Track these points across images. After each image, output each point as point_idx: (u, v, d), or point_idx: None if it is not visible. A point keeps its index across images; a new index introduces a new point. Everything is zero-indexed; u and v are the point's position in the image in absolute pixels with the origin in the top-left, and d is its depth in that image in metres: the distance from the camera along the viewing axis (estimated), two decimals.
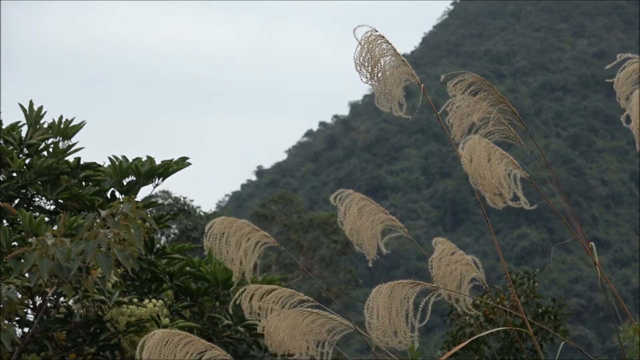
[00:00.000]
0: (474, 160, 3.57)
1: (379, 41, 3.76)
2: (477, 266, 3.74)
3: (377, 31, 3.76)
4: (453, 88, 3.77)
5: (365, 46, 3.74)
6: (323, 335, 3.73)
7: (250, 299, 3.82)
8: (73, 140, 6.54)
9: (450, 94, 3.80)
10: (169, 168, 6.58)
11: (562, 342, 4.03)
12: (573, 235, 3.76)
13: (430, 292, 3.56)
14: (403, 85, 3.78)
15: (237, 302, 3.84)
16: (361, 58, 3.74)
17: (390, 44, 3.77)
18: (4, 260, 5.46)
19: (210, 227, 3.89)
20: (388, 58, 3.77)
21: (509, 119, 3.82)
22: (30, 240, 5.55)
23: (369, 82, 3.75)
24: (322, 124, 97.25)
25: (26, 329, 5.87)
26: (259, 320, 3.81)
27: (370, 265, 3.68)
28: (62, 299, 5.95)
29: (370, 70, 3.75)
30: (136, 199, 6.22)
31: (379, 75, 3.75)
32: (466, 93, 3.80)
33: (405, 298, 3.47)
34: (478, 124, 3.79)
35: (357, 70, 3.74)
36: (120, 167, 6.55)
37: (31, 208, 6.36)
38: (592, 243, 3.84)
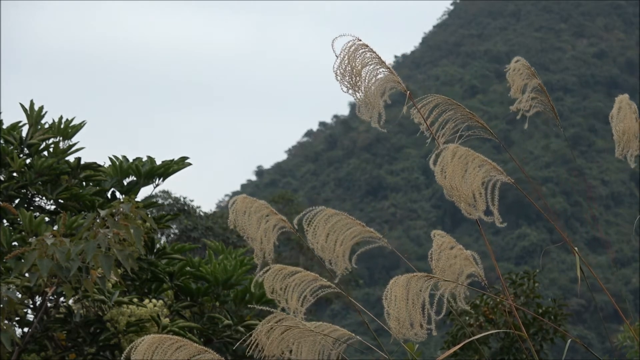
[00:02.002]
0: (448, 173, 3.57)
1: (361, 50, 3.75)
2: (476, 262, 3.74)
3: (360, 40, 3.74)
4: (416, 114, 3.77)
5: (346, 57, 3.73)
6: (328, 347, 3.74)
7: (274, 278, 3.81)
8: (73, 140, 6.55)
9: (416, 120, 3.79)
10: (169, 168, 6.59)
11: (570, 340, 4.02)
12: (572, 235, 3.76)
13: (436, 289, 3.56)
14: (387, 94, 3.77)
15: (260, 280, 3.83)
16: (341, 68, 3.73)
17: (375, 53, 3.76)
18: (4, 260, 5.46)
19: (234, 203, 3.91)
20: (371, 67, 3.76)
21: (480, 134, 3.81)
22: (30, 240, 5.55)
23: (349, 92, 3.75)
24: (322, 124, 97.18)
25: (26, 329, 5.87)
26: (278, 302, 3.81)
27: (336, 281, 3.69)
28: (62, 299, 5.96)
29: (349, 81, 3.74)
30: (136, 199, 6.22)
31: (359, 85, 3.74)
32: (432, 115, 3.80)
33: (420, 290, 3.47)
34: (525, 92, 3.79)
35: (338, 81, 3.73)
36: (121, 167, 6.56)
37: (31, 208, 6.36)
38: (576, 248, 3.84)
